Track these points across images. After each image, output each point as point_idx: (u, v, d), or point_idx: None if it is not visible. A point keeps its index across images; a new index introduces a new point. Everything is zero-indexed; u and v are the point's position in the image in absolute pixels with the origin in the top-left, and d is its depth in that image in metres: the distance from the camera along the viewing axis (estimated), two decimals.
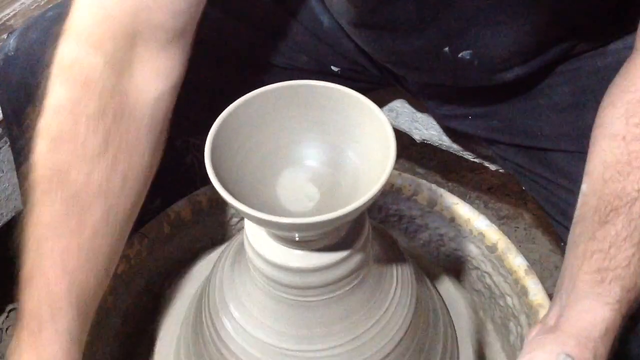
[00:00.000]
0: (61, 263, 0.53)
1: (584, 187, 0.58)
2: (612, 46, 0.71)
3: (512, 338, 0.68)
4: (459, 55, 0.69)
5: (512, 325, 0.68)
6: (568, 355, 0.50)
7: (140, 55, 0.58)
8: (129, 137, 0.57)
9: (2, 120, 0.81)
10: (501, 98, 0.76)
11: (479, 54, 0.69)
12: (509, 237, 0.70)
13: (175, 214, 0.72)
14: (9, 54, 0.72)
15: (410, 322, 0.56)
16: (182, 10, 0.59)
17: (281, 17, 0.81)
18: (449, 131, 0.92)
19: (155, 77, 0.59)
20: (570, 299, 0.54)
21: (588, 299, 0.53)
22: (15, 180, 0.93)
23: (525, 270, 0.66)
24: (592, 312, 0.52)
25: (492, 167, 0.94)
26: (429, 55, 0.71)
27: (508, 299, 0.68)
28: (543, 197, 0.74)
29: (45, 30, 0.70)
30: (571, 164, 0.69)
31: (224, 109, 0.48)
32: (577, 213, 0.58)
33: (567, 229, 0.60)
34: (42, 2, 1.05)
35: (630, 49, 0.62)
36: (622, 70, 0.61)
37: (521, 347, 0.65)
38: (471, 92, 0.77)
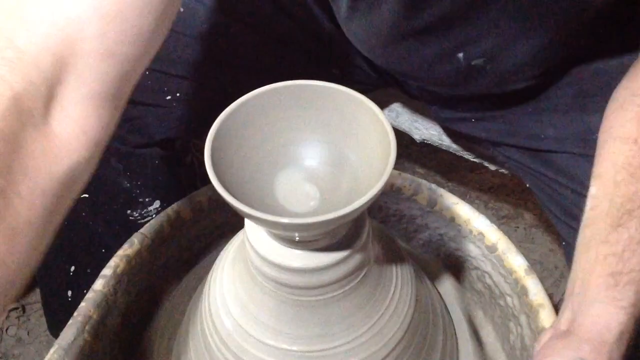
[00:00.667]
0: None
1: (593, 190, 0.57)
2: (614, 49, 0.71)
3: (512, 338, 0.68)
4: (472, 62, 0.69)
5: (512, 325, 0.68)
6: None
7: (60, 108, 0.46)
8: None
9: None
10: (504, 103, 0.76)
11: (492, 61, 0.68)
12: (509, 237, 0.70)
13: (175, 214, 0.72)
14: None
15: (410, 321, 0.56)
16: (115, 73, 0.48)
17: (281, 20, 0.81)
18: (450, 132, 0.92)
19: (74, 139, 0.46)
20: (583, 303, 0.53)
21: (602, 303, 0.52)
22: None
23: (525, 270, 0.66)
24: (607, 316, 0.51)
25: (492, 167, 0.94)
26: (441, 62, 0.70)
27: (508, 298, 0.68)
28: (545, 194, 0.74)
29: None
30: (575, 165, 0.69)
31: (224, 109, 0.48)
32: (587, 216, 0.57)
33: (569, 226, 0.59)
34: None
35: (631, 51, 0.62)
36: (630, 73, 0.60)
37: (521, 347, 0.65)
38: (474, 97, 0.77)
